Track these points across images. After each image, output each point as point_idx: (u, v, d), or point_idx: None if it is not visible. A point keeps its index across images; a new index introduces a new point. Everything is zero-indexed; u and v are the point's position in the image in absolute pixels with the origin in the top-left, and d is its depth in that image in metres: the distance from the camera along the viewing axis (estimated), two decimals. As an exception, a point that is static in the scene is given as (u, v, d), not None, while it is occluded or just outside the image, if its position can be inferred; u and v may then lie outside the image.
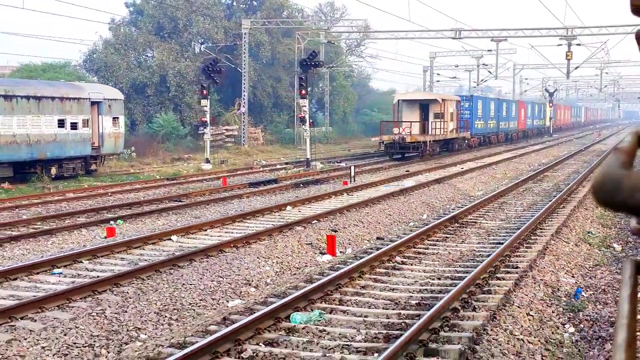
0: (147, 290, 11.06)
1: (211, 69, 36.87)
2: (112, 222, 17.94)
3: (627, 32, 46.20)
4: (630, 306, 1.45)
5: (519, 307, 10.40)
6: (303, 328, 9.12)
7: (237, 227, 17.29)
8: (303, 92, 35.35)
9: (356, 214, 19.02)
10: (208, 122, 37.65)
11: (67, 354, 8.60)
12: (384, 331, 8.99)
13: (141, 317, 10.10)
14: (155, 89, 51.07)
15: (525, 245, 14.89)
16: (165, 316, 10.32)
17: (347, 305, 10.39)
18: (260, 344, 8.52)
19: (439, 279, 12.13)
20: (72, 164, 30.36)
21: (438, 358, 7.94)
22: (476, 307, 10.08)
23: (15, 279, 11.58)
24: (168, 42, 53.81)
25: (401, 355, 7.73)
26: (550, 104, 77.30)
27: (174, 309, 10.62)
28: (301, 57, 50.75)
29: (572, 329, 10.02)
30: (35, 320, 9.33)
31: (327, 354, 8.07)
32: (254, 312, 9.51)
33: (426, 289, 11.36)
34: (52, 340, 8.82)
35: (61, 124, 29.26)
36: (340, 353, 8.13)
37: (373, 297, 10.83)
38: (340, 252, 15.21)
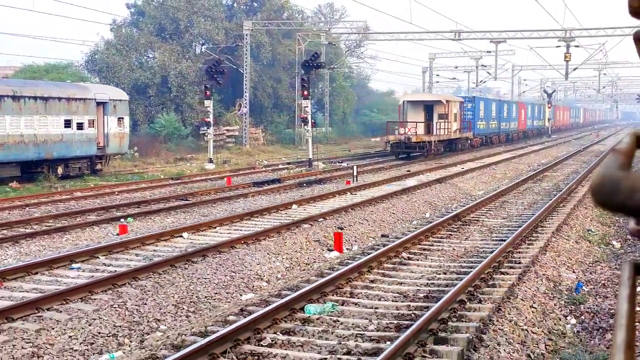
0: (164, 284, 11.48)
1: (214, 70, 37.27)
2: (122, 219, 18.34)
3: (626, 34, 46.69)
4: (629, 307, 1.44)
5: (522, 300, 10.83)
6: (317, 318, 9.56)
7: (245, 224, 17.71)
8: (305, 93, 35.78)
9: (361, 212, 19.44)
10: (211, 122, 38.04)
11: (92, 343, 9.02)
12: (395, 321, 9.42)
13: (160, 309, 10.52)
14: (156, 89, 51.48)
15: (527, 242, 15.33)
16: (183, 308, 10.74)
17: (358, 298, 10.83)
18: (278, 332, 8.95)
19: (445, 273, 12.56)
20: (78, 163, 30.77)
21: (447, 345, 8.36)
22: (482, 299, 10.51)
23: (36, 273, 12.00)
24: (169, 43, 54.23)
25: (413, 343, 8.15)
26: (549, 105, 77.80)
27: (191, 302, 11.04)
28: (302, 58, 51.22)
29: (573, 321, 10.46)
30: (61, 312, 9.76)
31: (342, 342, 8.50)
32: (270, 304, 9.92)
33: (433, 283, 11.80)
34: (78, 330, 9.24)
35: (67, 124, 29.66)
36: (355, 341, 8.56)
37: (382, 290, 11.27)
38: (347, 249, 15.63)
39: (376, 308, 10.22)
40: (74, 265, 12.69)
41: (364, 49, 76.57)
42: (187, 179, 30.73)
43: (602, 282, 12.87)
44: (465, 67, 77.35)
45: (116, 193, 25.17)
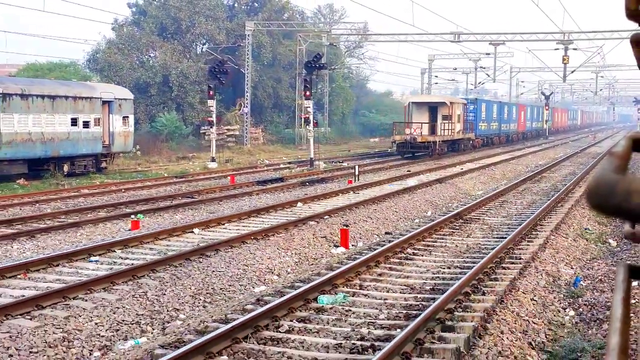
0: (181, 276, 11.99)
1: (218, 69, 37.75)
2: (132, 216, 18.84)
3: (623, 37, 47.30)
4: (623, 310, 1.44)
5: (523, 293, 11.37)
6: (330, 308, 10.10)
7: (252, 221, 18.22)
8: (307, 93, 36.28)
9: (364, 211, 19.96)
10: (214, 122, 38.53)
11: (118, 330, 9.53)
12: (404, 311, 9.96)
13: (178, 299, 11.04)
14: (158, 88, 51.96)
15: (527, 239, 15.86)
16: (200, 299, 11.26)
17: (368, 290, 11.36)
18: (294, 320, 9.48)
19: (449, 268, 13.10)
20: (84, 161, 31.24)
21: (454, 333, 8.89)
22: (485, 291, 11.05)
23: (57, 265, 12.51)
24: (171, 43, 54.75)
25: (422, 330, 8.68)
26: (547, 107, 78.47)
27: (207, 293, 11.56)
28: (303, 58, 51.75)
29: (572, 312, 11.00)
30: (86, 300, 10.27)
31: (356, 329, 9.03)
32: (284, 295, 10.44)
33: (438, 277, 12.33)
34: (104, 317, 9.75)
35: (74, 122, 30.15)
36: (367, 328, 9.09)
37: (390, 283, 11.81)
38: (352, 245, 16.15)
39: (385, 299, 10.75)
40: (92, 258, 13.21)
41: (364, 50, 77.19)
42: (191, 177, 31.25)
43: (599, 277, 13.40)
44: (464, 68, 77.98)
45: (123, 190, 25.67)
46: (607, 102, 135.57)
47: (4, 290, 10.95)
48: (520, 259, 13.70)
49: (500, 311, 10.12)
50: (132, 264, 12.57)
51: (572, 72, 58.11)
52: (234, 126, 52.71)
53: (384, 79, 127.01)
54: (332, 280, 11.20)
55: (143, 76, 51.29)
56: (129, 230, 16.92)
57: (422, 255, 14.36)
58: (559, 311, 11.07)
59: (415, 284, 11.79)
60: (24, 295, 10.30)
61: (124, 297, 10.61)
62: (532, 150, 52.09)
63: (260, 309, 9.30)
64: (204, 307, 10.99)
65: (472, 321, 9.33)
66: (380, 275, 12.42)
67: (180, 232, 16.07)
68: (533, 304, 10.98)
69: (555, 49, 51.81)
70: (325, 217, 18.42)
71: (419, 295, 10.94)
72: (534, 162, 42.03)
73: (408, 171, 33.20)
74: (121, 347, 8.97)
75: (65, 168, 30.02)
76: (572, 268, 14.21)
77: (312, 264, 14.20)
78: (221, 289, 11.86)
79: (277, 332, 8.97)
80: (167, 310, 10.54)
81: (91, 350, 8.84)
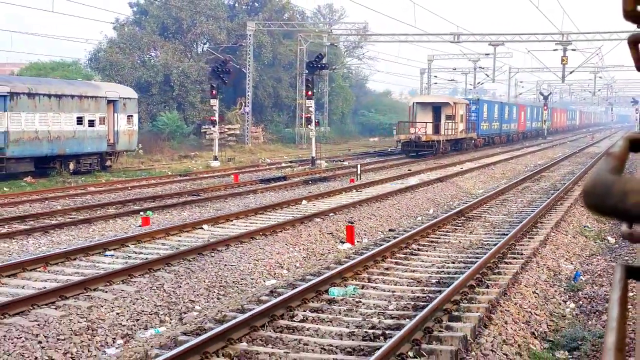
0: (195, 270, 12.42)
1: (220, 69, 38.14)
2: (142, 213, 19.25)
3: (621, 38, 47.77)
4: (620, 309, 1.44)
5: (526, 286, 11.81)
6: (341, 299, 10.54)
7: (259, 218, 18.65)
8: (309, 93, 36.69)
9: (368, 208, 20.39)
10: (217, 121, 38.93)
11: (138, 319, 9.96)
12: (412, 303, 10.40)
13: (194, 291, 11.46)
14: (159, 88, 52.37)
15: (528, 236, 16.30)
16: (214, 291, 11.69)
17: (376, 283, 11.80)
18: (307, 311, 9.91)
19: (453, 262, 13.54)
20: (89, 159, 31.66)
21: (461, 322, 9.32)
22: (489, 285, 11.49)
23: (74, 259, 12.93)
24: (172, 42, 55.17)
25: (431, 319, 9.11)
26: (545, 107, 78.98)
27: (220, 286, 11.99)
28: (303, 58, 52.20)
29: (572, 305, 11.44)
30: (107, 292, 10.70)
31: (367, 319, 9.47)
32: (296, 287, 10.87)
33: (443, 271, 12.77)
34: (124, 308, 10.18)
35: (80, 121, 30.56)
36: (378, 318, 9.52)
37: (397, 277, 12.24)
38: (358, 241, 16.58)
39: (393, 291, 11.19)
40: (107, 253, 13.62)
41: (364, 50, 77.63)
42: (195, 175, 31.67)
43: (598, 272, 13.85)
44: (463, 68, 78.45)
45: (129, 188, 26.09)
46: (606, 103, 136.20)
47: (27, 282, 11.39)
48: (522, 254, 14.13)
49: (504, 303, 10.55)
50: (147, 258, 12.98)
51: (571, 72, 58.56)
52: (235, 125, 53.15)
53: (383, 79, 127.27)
54: (341, 274, 11.64)
55: (144, 75, 51.70)
56: (139, 226, 17.33)
57: (427, 251, 14.80)
58: (560, 304, 11.51)
59: (422, 277, 12.23)
60: (45, 287, 10.72)
61: (142, 289, 11.03)
62: (531, 150, 52.56)
63: (275, 300, 9.73)
64: (218, 299, 11.42)
65: (477, 312, 9.76)
66: (387, 269, 12.85)
67: (191, 228, 16.50)
68: (535, 297, 11.42)
69: (554, 50, 52.30)
70: (330, 215, 18.85)
71: (425, 288, 11.38)
72: (532, 161, 42.49)
73: (409, 170, 33.64)
74: (142, 336, 9.40)
75: (71, 166, 30.43)
76: (572, 263, 14.67)
77: (319, 259, 14.63)
78: (234, 282, 12.29)
79: (292, 321, 9.40)
80: (184, 302, 10.97)
81: (114, 338, 9.26)
